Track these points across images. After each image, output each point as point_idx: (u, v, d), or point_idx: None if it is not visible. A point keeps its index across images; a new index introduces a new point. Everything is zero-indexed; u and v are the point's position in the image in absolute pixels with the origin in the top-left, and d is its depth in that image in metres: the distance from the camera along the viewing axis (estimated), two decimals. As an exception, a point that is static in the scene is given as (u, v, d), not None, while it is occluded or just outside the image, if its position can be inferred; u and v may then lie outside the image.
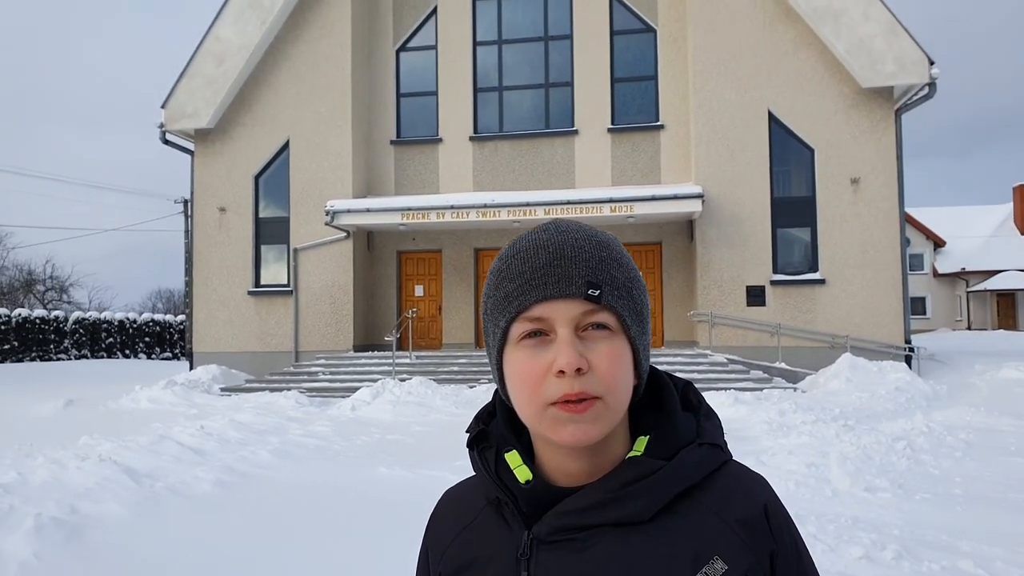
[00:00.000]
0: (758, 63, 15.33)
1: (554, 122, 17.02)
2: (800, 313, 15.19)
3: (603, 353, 0.83)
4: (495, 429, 0.95)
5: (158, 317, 35.24)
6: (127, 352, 32.47)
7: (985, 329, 36.15)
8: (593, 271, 0.85)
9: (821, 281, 15.14)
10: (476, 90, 17.27)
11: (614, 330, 0.85)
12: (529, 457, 0.91)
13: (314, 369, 15.24)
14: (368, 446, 8.71)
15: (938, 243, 40.52)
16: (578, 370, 0.81)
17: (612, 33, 16.76)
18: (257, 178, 17.11)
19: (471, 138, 17.14)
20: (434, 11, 17.42)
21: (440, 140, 17.26)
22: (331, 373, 15.00)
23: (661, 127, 16.41)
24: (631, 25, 16.71)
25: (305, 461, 7.74)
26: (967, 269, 38.86)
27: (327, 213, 15.71)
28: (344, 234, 16.45)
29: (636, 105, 16.71)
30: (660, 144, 16.43)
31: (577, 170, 16.68)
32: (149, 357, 33.36)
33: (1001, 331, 33.32)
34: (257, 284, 16.99)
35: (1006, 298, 38.55)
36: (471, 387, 13.07)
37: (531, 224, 16.37)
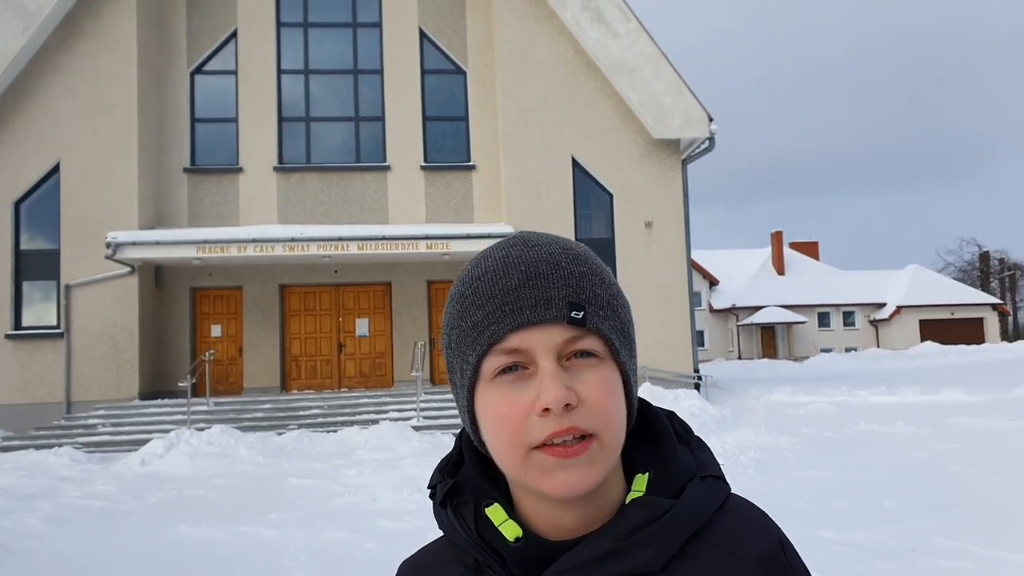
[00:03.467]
0: (562, 111, 16.18)
1: (365, 156, 16.76)
2: (603, 347, 15.97)
3: (593, 383, 0.72)
4: (467, 480, 0.81)
5: None
6: None
7: (752, 358, 40.40)
8: (574, 290, 0.74)
9: (621, 316, 16.05)
10: (281, 119, 16.57)
11: (602, 356, 0.74)
12: (511, 509, 0.78)
13: (92, 421, 13.52)
14: (164, 504, 7.82)
15: (713, 282, 44.92)
16: (567, 406, 0.70)
17: (423, 72, 16.91)
18: (18, 204, 15.06)
19: (276, 168, 16.37)
20: (234, 34, 16.55)
21: (241, 169, 16.31)
22: (113, 425, 13.39)
23: (473, 167, 16.73)
24: (442, 65, 16.98)
25: (86, 526, 6.77)
26: (737, 305, 43.38)
27: (108, 246, 14.15)
28: (128, 269, 14.89)
29: (448, 144, 16.93)
30: (472, 183, 16.74)
31: (391, 205, 16.49)
32: None
33: (765, 359, 37.42)
34: (17, 326, 14.85)
35: (768, 331, 43.50)
36: (279, 434, 12.25)
37: (344, 260, 15.98)
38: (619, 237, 16.26)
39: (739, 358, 41.60)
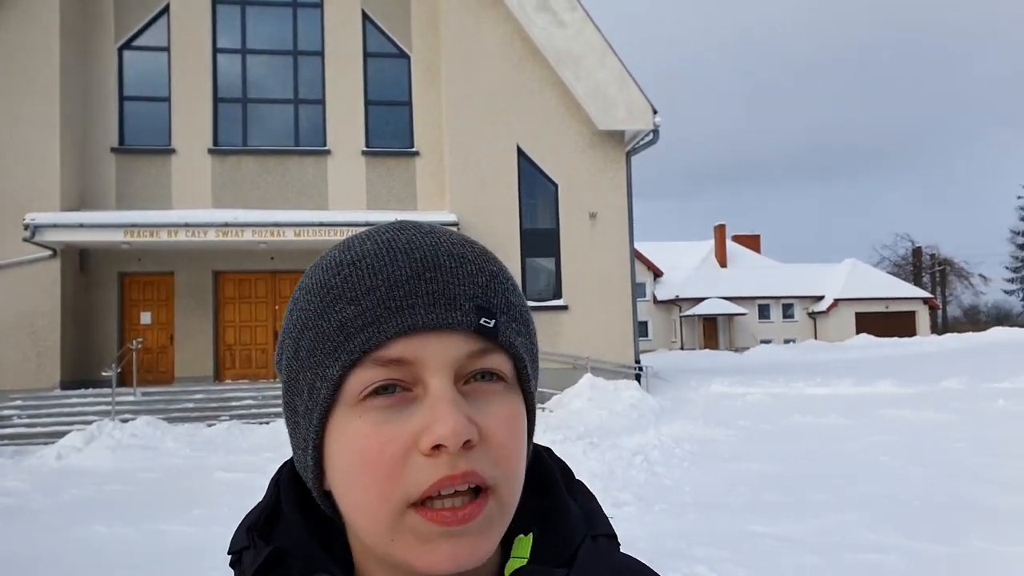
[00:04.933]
0: (508, 99, 16.00)
1: (305, 140, 16.29)
2: (547, 337, 15.93)
3: (500, 417, 0.55)
4: (291, 542, 0.59)
5: None
6: None
7: (694, 349, 41.07)
8: (484, 291, 0.56)
9: (565, 307, 16.05)
10: (216, 99, 15.97)
11: (510, 382, 0.57)
12: None
13: (6, 412, 12.85)
14: (79, 501, 7.42)
15: (657, 273, 45.45)
16: (467, 443, 0.52)
17: (366, 55, 16.50)
18: (-73, 182, 14.21)
19: (211, 151, 15.79)
20: (166, 9, 15.85)
21: (173, 151, 15.67)
22: (29, 417, 12.75)
23: (416, 154, 16.43)
24: (385, 49, 16.60)
25: (-10, 526, 6.36)
26: (680, 297, 43.99)
27: (26, 228, 13.44)
28: (49, 252, 14.18)
29: (391, 130, 16.58)
30: (416, 170, 16.44)
31: (331, 191, 16.08)
32: None
33: (707, 350, 38.08)
34: (-73, 311, 14.04)
35: (710, 322, 44.25)
36: (210, 425, 11.84)
37: (281, 247, 15.55)
38: (564, 228, 16.20)
39: (681, 348, 42.24)
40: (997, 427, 9.93)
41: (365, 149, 16.26)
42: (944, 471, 7.45)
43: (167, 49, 15.83)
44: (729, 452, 9.22)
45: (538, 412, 12.87)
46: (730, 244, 49.34)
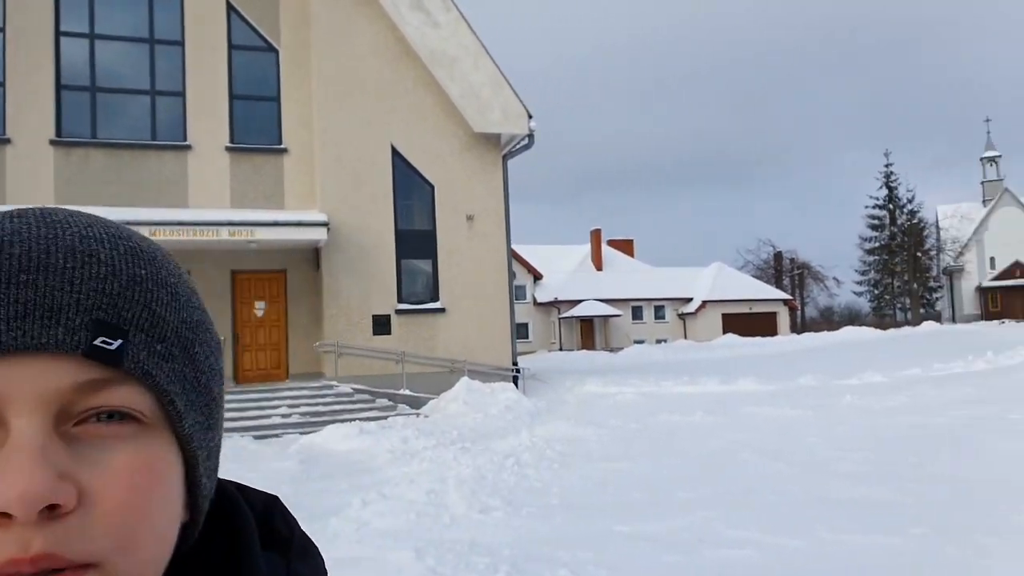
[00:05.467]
0: (382, 98, 15.63)
1: (163, 134, 15.25)
2: (423, 340, 15.69)
3: (119, 470, 0.41)
4: None
5: None
6: None
7: (572, 350, 41.88)
8: (111, 300, 0.42)
9: (442, 310, 15.85)
10: (59, 87, 14.67)
11: (149, 422, 0.43)
12: None
13: None
14: None
15: (537, 276, 46.08)
16: (51, 508, 0.38)
17: (231, 47, 15.67)
18: None
19: (53, 142, 14.47)
20: (1, -14, 14.44)
21: (8, 140, 14.26)
22: None
23: (285, 151, 15.75)
24: (251, 42, 15.82)
25: None
26: (559, 299, 44.79)
27: None
28: None
29: (257, 125, 15.81)
30: (284, 168, 15.76)
31: (191, 188, 15.13)
32: None
33: (584, 351, 38.92)
34: None
35: (587, 323, 45.31)
36: None
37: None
38: (440, 229, 16.01)
39: (560, 349, 42.98)
40: (845, 422, 10.57)
41: (229, 145, 15.43)
42: (798, 466, 7.82)
43: (1, 30, 14.39)
44: (599, 452, 9.33)
45: (413, 418, 12.44)
46: (606, 248, 50.75)
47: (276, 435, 11.94)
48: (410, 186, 15.99)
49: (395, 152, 15.76)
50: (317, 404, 13.36)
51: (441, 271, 15.99)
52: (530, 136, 16.06)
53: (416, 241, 15.99)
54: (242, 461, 9.16)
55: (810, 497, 6.48)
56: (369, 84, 15.56)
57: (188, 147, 15.19)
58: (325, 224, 14.63)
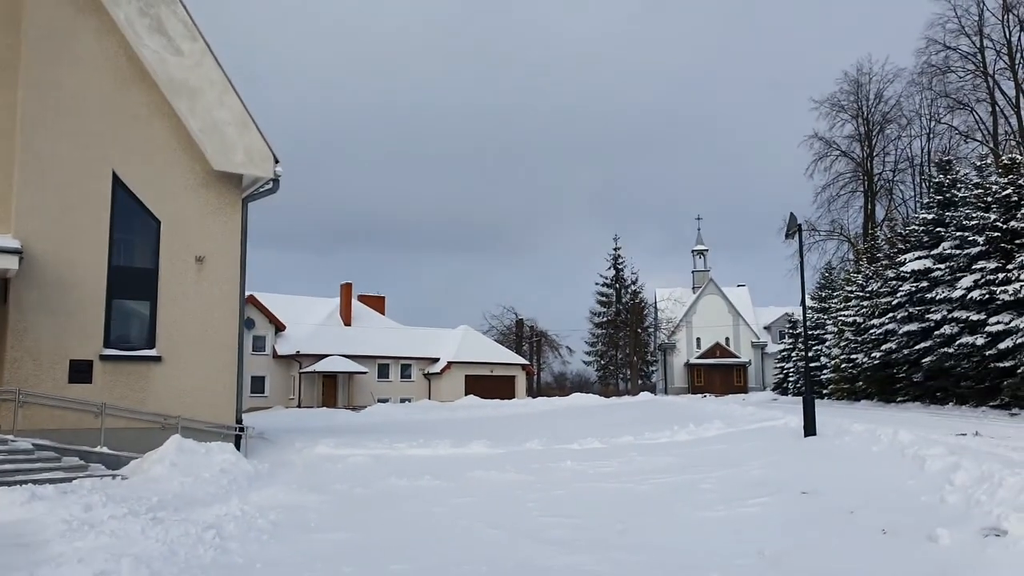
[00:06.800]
0: (105, 120, 14.05)
1: None
2: (132, 392, 13.96)
3: None
4: None
5: None
6: None
7: (312, 406, 40.11)
8: None
9: (157, 358, 14.27)
10: None
11: None
12: None
13: None
14: None
15: (279, 327, 43.83)
16: None
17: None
18: None
19: None
20: None
21: None
22: None
23: (-27, 163, 13.43)
24: (-55, 32, 13.48)
25: None
26: (301, 352, 42.90)
27: None
28: None
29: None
30: (-28, 182, 13.42)
31: None
32: None
33: (325, 407, 37.44)
34: None
35: (330, 379, 43.84)
36: None
37: None
38: (164, 269, 14.56)
39: (299, 406, 40.95)
40: (563, 486, 11.03)
41: (-102, 147, 12.83)
42: (515, 533, 7.90)
43: None
44: (317, 521, 8.76)
45: (108, 480, 10.93)
46: (356, 303, 49.92)
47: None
48: (132, 219, 14.39)
49: (117, 180, 14.15)
50: (-19, 463, 11.20)
51: (161, 315, 14.44)
52: (275, 180, 15.33)
53: (134, 280, 14.34)
54: None
55: (520, 566, 6.52)
56: (92, 102, 13.91)
57: None
58: (18, 252, 12.59)
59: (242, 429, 15.23)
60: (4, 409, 12.75)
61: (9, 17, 13.76)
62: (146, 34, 14.19)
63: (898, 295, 30.98)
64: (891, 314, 31.54)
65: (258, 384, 41.96)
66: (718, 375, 70.26)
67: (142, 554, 6.55)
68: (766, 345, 71.96)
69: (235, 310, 15.21)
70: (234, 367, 15.11)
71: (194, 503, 9.72)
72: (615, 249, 65.95)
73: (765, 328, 73.67)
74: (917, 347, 28.96)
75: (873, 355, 32.78)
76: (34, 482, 10.46)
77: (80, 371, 13.54)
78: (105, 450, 12.90)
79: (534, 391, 60.84)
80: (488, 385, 48.92)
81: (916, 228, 32.23)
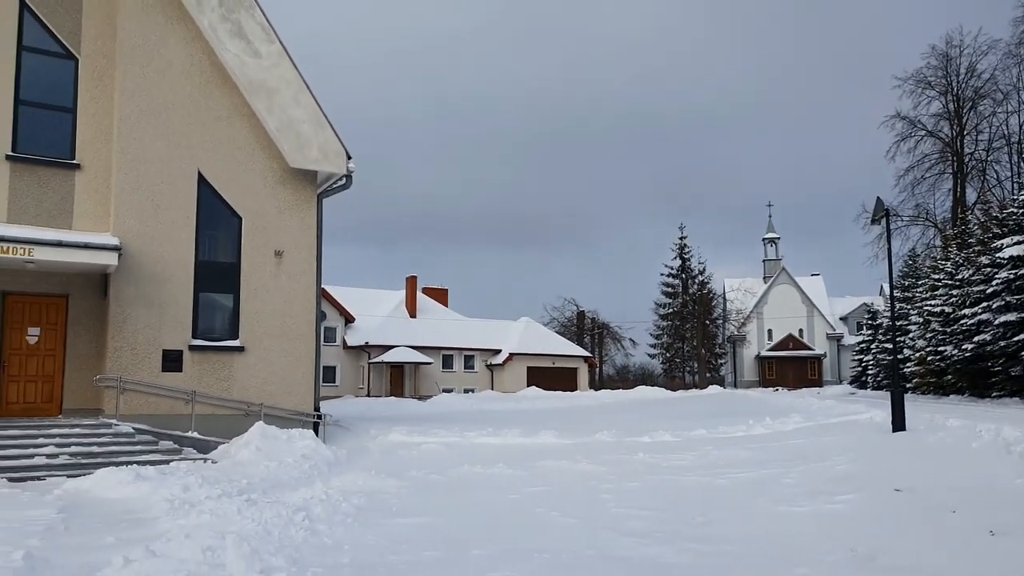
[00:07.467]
0: (191, 122, 14.76)
1: (-73, 135, 13.31)
2: (217, 380, 14.68)
3: None
4: None
5: None
6: None
7: (381, 396, 41.12)
8: None
9: (240, 348, 14.95)
10: None
11: None
12: None
13: None
14: None
15: (349, 319, 45.00)
16: None
17: (20, 48, 14.09)
18: None
19: None
20: None
21: None
22: None
23: (77, 166, 14.29)
24: (46, 45, 14.33)
25: None
26: (370, 343, 43.95)
27: None
28: None
29: (47, 136, 14.23)
30: (75, 185, 14.28)
31: (-40, 199, 13.29)
32: None
33: (393, 398, 38.34)
34: None
35: (397, 369, 44.79)
36: None
37: None
38: (246, 263, 15.22)
39: (368, 395, 42.03)
40: (637, 479, 11.03)
41: (12, 153, 13.76)
42: (591, 523, 8.00)
43: None
44: (397, 505, 9.10)
45: (200, 463, 11.57)
46: (420, 296, 50.80)
47: (37, 478, 10.59)
48: (216, 216, 15.09)
49: (202, 179, 14.86)
50: (91, 444, 12.01)
51: (243, 307, 15.13)
52: (348, 176, 15.83)
53: (218, 274, 15.05)
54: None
55: (602, 555, 6.57)
56: (178, 106, 14.64)
57: (-42, 152, 13.37)
58: (117, 248, 13.39)
59: (320, 417, 15.83)
60: (107, 395, 13.61)
61: (105, 30, 14.58)
62: (227, 39, 14.83)
63: (994, 283, 29.34)
64: (985, 303, 29.99)
65: (329, 374, 43.18)
66: (791, 368, 68.61)
67: (239, 533, 6.97)
68: (842, 337, 69.84)
69: (312, 302, 15.79)
70: (312, 357, 15.70)
71: (280, 486, 10.22)
72: (681, 239, 65.20)
73: (841, 319, 71.50)
74: (1015, 339, 27.54)
75: (964, 347, 31.27)
76: (137, 463, 11.16)
77: (172, 360, 14.32)
78: (196, 435, 13.62)
79: (596, 383, 60.73)
80: (550, 377, 49.12)
81: (1014, 211, 30.54)
